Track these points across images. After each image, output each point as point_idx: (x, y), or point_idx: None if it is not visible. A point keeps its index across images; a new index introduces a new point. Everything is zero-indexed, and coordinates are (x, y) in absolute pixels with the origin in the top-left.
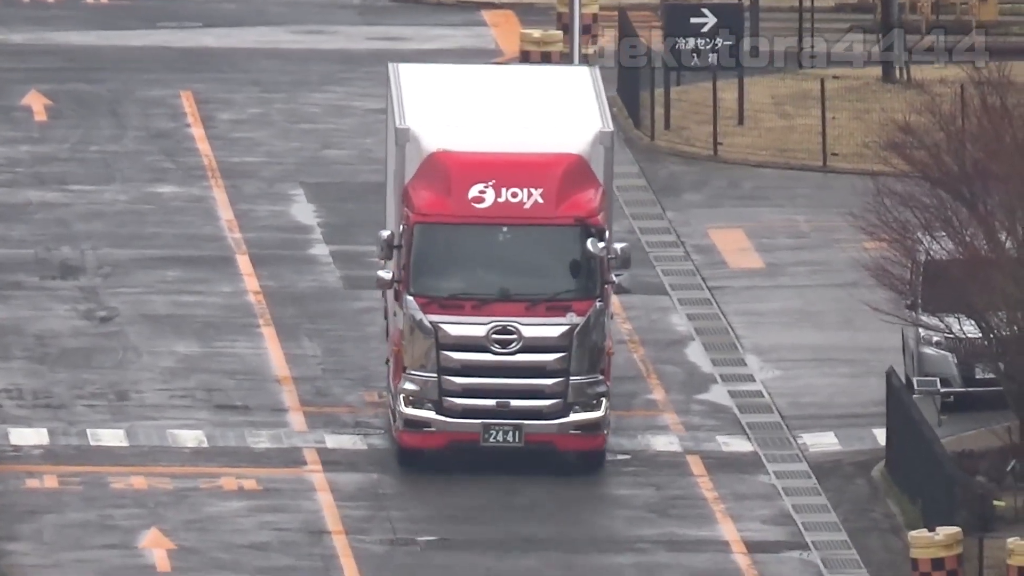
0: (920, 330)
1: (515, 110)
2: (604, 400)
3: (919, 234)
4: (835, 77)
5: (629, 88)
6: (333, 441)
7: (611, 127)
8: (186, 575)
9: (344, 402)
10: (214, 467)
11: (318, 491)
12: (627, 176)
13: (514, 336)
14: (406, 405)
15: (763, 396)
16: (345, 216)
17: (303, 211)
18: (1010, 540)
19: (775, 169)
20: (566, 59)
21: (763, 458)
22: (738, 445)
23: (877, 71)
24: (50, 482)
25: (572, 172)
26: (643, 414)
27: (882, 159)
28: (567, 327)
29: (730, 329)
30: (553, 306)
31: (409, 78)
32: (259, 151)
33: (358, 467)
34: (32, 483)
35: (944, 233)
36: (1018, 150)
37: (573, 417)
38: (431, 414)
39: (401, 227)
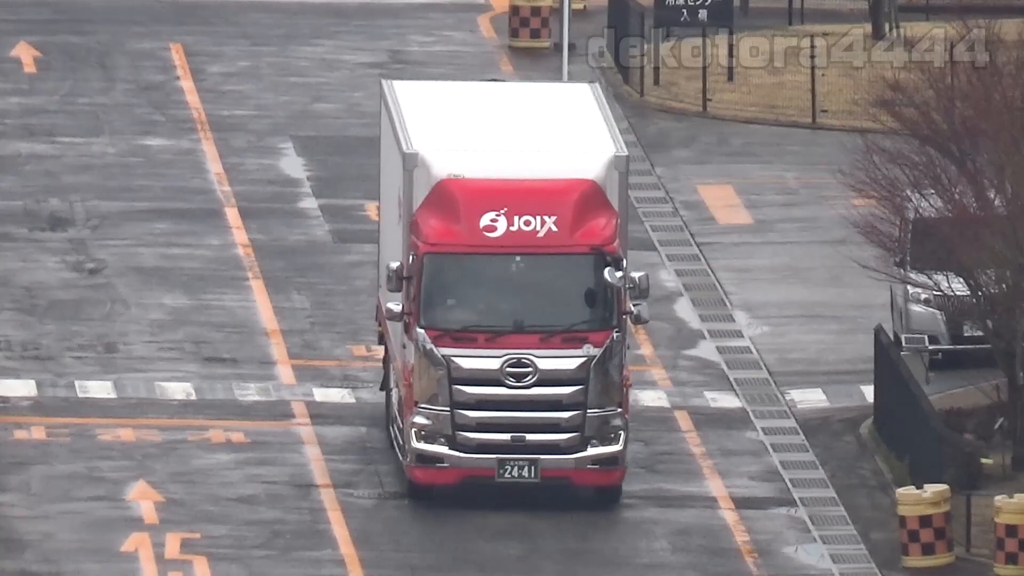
0: (908, 287)
1: (525, 133)
2: (622, 433)
3: (908, 191)
4: (825, 34)
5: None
6: (321, 394)
7: (625, 151)
8: (173, 527)
9: (332, 356)
10: (202, 420)
11: (306, 444)
12: None
13: (529, 369)
14: (418, 440)
15: (751, 352)
16: (334, 170)
17: (292, 164)
18: (997, 498)
19: (764, 125)
20: (556, 15)
21: (751, 414)
22: (726, 401)
23: (867, 28)
24: (38, 433)
25: (586, 199)
26: (631, 369)
27: (871, 116)
28: (583, 359)
29: (718, 285)
30: (569, 338)
31: (408, 97)
32: (249, 104)
33: (346, 421)
34: (20, 434)
35: (933, 190)
36: (1007, 108)
37: (590, 451)
38: (444, 449)
39: (410, 257)
